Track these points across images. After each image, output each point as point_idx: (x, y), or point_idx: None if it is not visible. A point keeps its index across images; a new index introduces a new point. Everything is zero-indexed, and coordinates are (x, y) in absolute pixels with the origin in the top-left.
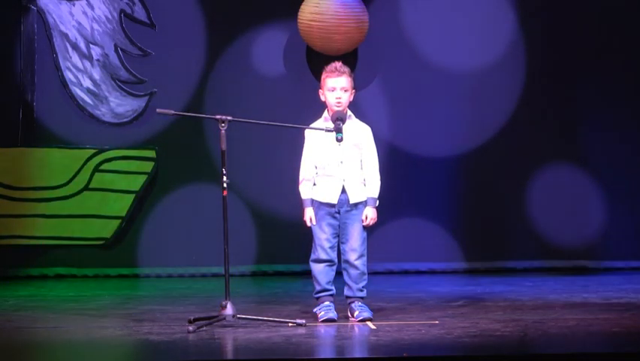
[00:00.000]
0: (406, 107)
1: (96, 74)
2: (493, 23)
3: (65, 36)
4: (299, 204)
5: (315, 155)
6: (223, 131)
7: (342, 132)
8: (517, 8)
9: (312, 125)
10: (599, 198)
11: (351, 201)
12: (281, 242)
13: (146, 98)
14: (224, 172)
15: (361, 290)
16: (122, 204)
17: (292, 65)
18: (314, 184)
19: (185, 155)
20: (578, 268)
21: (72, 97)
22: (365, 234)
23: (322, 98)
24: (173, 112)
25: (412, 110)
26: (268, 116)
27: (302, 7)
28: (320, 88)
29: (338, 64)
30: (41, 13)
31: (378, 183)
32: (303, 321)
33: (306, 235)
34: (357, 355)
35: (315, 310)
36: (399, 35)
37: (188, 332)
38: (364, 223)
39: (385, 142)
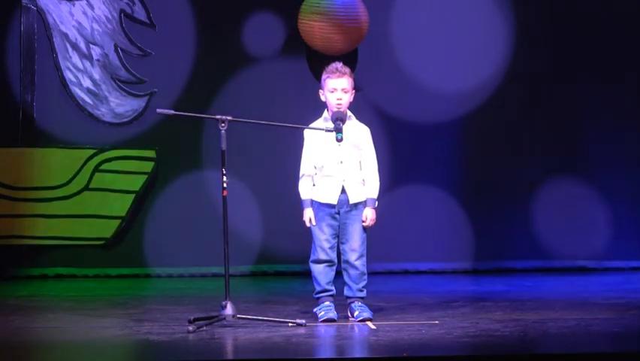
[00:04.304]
0: (405, 105)
1: (96, 74)
2: (494, 15)
3: (65, 36)
4: (299, 204)
5: (315, 155)
6: (223, 132)
7: (342, 132)
8: (517, 7)
9: (312, 125)
10: (599, 199)
11: (351, 202)
12: (281, 242)
13: (146, 98)
14: (224, 172)
15: (361, 290)
16: (122, 204)
17: (292, 65)
18: (313, 185)
19: (185, 155)
20: (578, 268)
21: (72, 97)
22: (365, 234)
23: (322, 98)
24: (173, 112)
25: (412, 109)
26: (268, 116)
27: (302, 7)
28: (320, 88)
29: (339, 64)
30: (41, 13)
31: (378, 183)
32: (303, 321)
33: (306, 235)
34: (357, 355)
35: (315, 310)
36: (397, 34)
37: (188, 332)
38: (364, 224)
39: (383, 142)
